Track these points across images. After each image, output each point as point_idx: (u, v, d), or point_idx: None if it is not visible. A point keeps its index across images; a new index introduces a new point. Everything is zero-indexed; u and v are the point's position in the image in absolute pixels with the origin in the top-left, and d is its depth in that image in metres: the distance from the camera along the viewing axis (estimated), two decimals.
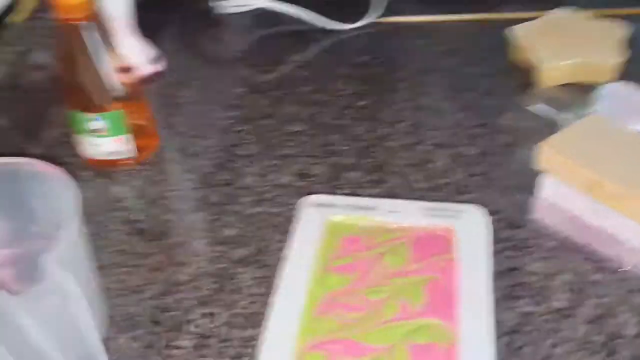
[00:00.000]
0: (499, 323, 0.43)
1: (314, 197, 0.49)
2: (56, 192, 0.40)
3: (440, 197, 0.52)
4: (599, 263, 0.46)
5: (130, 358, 0.42)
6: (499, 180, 0.54)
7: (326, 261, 0.44)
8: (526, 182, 0.52)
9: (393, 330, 0.39)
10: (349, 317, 0.40)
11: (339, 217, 0.47)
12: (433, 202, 0.48)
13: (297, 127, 0.61)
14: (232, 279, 0.47)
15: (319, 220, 0.46)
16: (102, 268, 0.46)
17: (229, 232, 0.50)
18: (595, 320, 0.43)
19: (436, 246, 0.44)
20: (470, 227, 0.46)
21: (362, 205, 0.48)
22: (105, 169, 0.56)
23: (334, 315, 0.41)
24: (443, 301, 0.41)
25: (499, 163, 0.56)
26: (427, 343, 0.39)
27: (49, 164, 0.42)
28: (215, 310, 0.45)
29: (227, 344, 0.43)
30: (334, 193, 0.52)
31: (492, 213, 0.50)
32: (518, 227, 0.50)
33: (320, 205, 0.48)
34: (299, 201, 0.50)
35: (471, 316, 0.40)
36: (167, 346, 0.43)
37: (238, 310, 0.45)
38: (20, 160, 0.43)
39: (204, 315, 0.44)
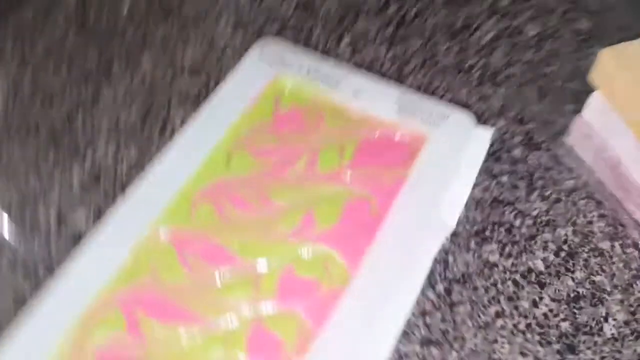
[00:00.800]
0: (448, 264, 0.33)
1: (270, 42, 0.37)
2: None
3: (458, 83, 0.40)
4: (616, 229, 0.34)
5: None
6: (544, 78, 0.40)
7: (244, 132, 0.34)
8: (581, 92, 0.38)
9: (278, 249, 0.30)
10: (234, 215, 0.31)
11: (291, 79, 0.36)
12: (417, 94, 0.35)
13: None
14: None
15: (263, 77, 0.35)
16: None
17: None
18: (565, 301, 0.32)
19: (392, 155, 0.33)
20: (451, 140, 0.33)
21: (325, 74, 0.36)
22: None
23: (216, 206, 0.31)
24: (359, 231, 0.30)
25: (555, 54, 0.41)
26: (308, 278, 0.29)
27: None
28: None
29: None
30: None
31: (513, 121, 0.38)
32: (537, 149, 0.37)
33: (275, 55, 0.36)
34: (253, 45, 0.38)
35: (383, 265, 0.29)
36: None
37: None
38: None
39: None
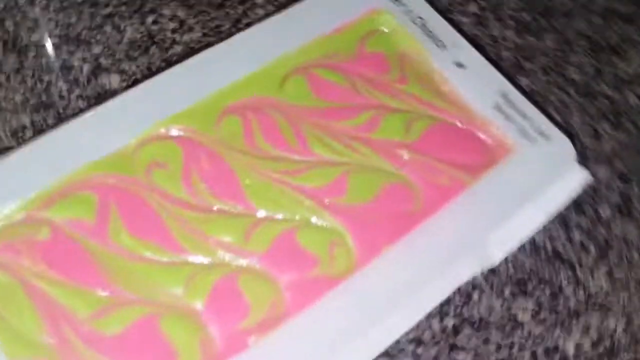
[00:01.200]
0: (469, 301, 0.28)
1: None
2: None
3: (575, 107, 0.33)
4: None
5: None
6: None
7: (314, 57, 0.28)
8: None
9: (289, 203, 0.25)
10: (261, 144, 0.26)
11: (394, 19, 0.30)
12: (524, 98, 0.29)
13: None
14: None
15: (364, 2, 0.30)
16: None
17: None
18: None
19: (465, 153, 0.27)
20: (539, 164, 0.28)
21: (435, 30, 0.30)
22: None
23: (246, 126, 0.26)
24: (388, 224, 0.25)
25: None
26: (307, 251, 0.24)
27: None
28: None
29: None
30: None
31: (617, 175, 0.32)
32: (629, 217, 0.31)
33: None
34: None
35: (397, 273, 0.24)
36: None
37: None
38: None
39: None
